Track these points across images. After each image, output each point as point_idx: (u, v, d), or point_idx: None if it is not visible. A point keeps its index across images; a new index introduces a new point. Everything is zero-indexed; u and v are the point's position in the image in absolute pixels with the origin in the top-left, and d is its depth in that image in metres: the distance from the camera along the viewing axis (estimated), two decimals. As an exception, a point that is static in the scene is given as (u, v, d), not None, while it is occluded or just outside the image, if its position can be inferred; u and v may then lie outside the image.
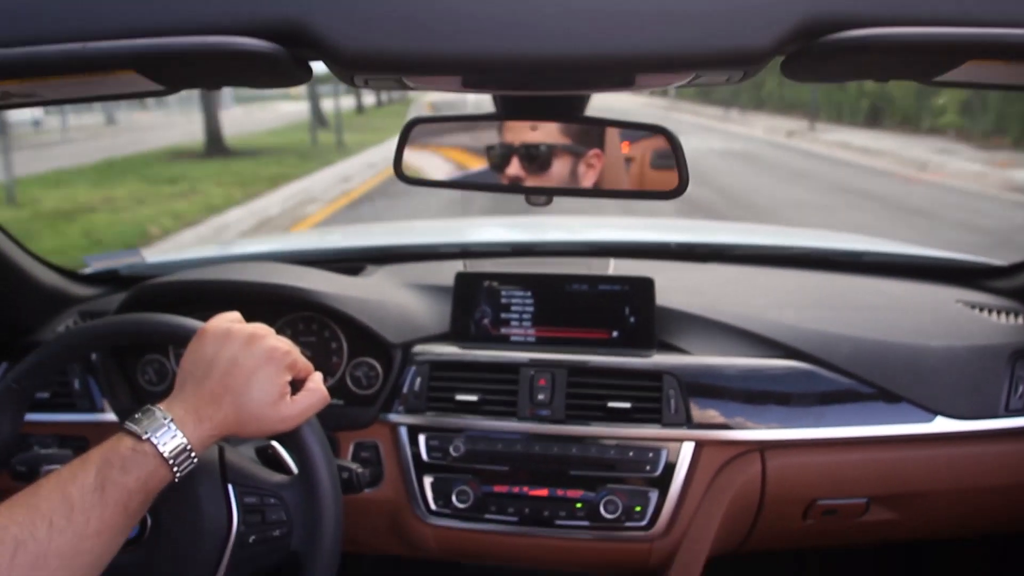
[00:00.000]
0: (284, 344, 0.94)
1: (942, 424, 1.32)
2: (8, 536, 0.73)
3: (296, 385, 0.95)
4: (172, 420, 0.85)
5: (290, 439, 0.96)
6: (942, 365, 1.36)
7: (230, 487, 0.96)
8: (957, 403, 1.33)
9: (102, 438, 0.85)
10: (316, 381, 0.96)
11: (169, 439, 0.83)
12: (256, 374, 0.89)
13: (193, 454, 0.85)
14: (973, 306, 1.53)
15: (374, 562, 1.58)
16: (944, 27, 0.57)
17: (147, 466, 0.82)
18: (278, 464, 1.05)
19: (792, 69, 0.65)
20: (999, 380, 1.35)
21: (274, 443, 1.07)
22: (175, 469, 0.84)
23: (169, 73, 0.66)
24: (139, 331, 1.07)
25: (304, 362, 0.96)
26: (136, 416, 0.85)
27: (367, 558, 1.52)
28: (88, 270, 1.76)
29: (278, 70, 0.64)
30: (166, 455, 0.83)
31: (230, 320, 0.96)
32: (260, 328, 0.95)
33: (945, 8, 0.57)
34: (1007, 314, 1.50)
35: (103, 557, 0.79)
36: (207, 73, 0.69)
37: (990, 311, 1.51)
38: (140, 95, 0.73)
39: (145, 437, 0.83)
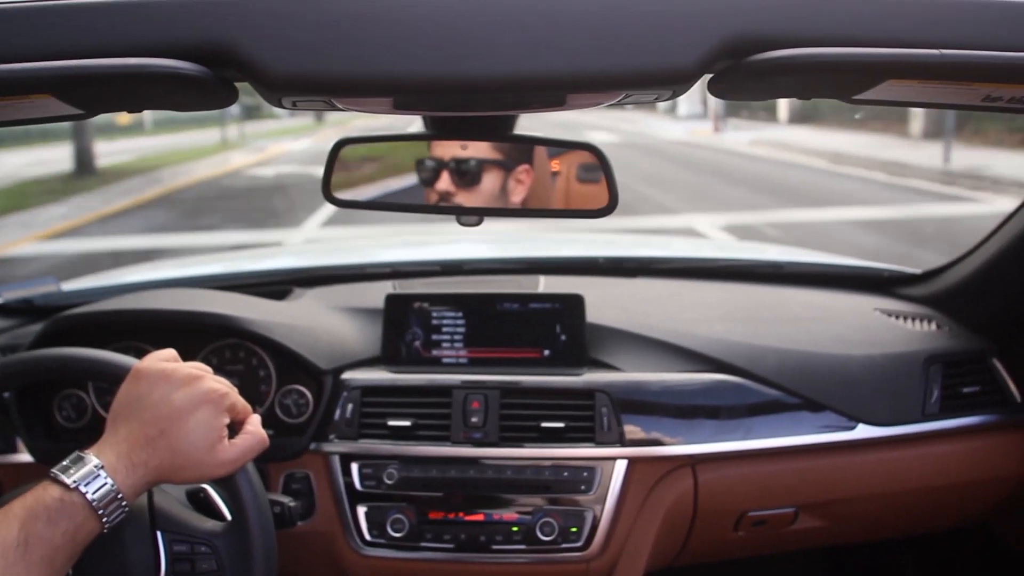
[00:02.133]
0: (222, 385, 0.90)
1: (864, 431, 1.36)
2: None
3: (233, 428, 0.91)
4: (103, 467, 0.80)
5: (224, 483, 0.93)
6: (862, 373, 1.40)
7: (159, 534, 0.92)
8: (877, 410, 1.37)
9: (17, 482, 0.81)
10: (255, 424, 0.93)
11: (99, 487, 0.79)
12: (193, 417, 0.86)
13: (124, 503, 0.81)
14: (890, 314, 1.58)
15: None
16: (865, 48, 0.59)
17: (75, 518, 0.77)
18: (210, 509, 1.01)
19: (718, 88, 0.67)
20: (915, 386, 1.40)
21: (206, 486, 1.03)
22: (104, 520, 0.79)
23: (89, 97, 0.64)
24: (65, 367, 1.02)
25: (243, 404, 0.93)
26: (64, 463, 0.80)
27: None
28: None
29: (203, 92, 0.62)
30: (96, 505, 0.78)
31: (165, 358, 0.92)
32: (197, 368, 0.91)
33: (867, 30, 0.59)
34: (921, 321, 1.56)
35: None
36: (129, 96, 0.67)
37: (905, 318, 1.57)
38: (57, 119, 0.70)
39: (73, 486, 0.78)
